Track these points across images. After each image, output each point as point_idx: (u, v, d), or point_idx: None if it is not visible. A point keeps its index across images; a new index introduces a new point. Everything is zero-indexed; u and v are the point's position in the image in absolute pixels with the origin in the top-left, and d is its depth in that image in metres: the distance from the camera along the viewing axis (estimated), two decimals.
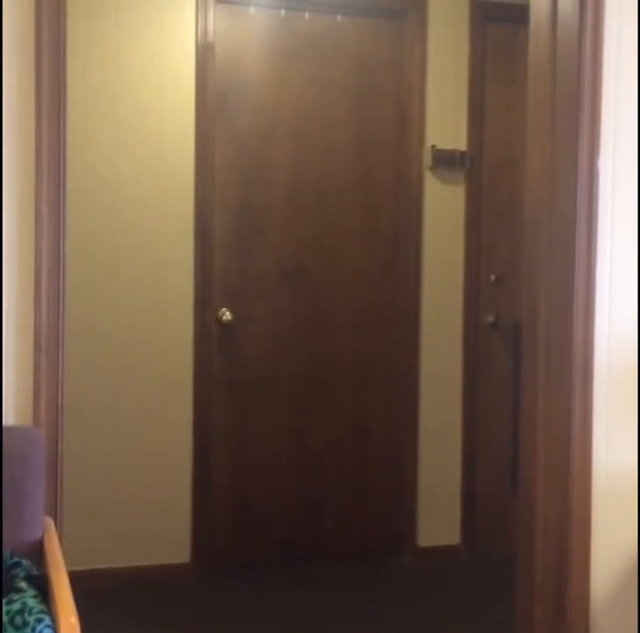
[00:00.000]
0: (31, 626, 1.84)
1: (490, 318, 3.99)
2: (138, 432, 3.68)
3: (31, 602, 1.91)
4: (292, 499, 3.84)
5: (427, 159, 3.93)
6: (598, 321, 2.47)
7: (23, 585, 2.00)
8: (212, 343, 3.73)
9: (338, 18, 3.83)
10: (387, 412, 3.97)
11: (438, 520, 4.02)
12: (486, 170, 3.98)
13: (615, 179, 2.47)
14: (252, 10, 3.73)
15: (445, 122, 3.96)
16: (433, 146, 3.92)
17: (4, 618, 1.88)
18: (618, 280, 2.49)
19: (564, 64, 2.49)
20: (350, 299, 3.92)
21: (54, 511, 2.33)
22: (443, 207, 3.98)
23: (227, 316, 3.73)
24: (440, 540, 4.02)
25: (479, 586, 3.65)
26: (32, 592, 1.98)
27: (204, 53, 3.67)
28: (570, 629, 2.49)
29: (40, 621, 1.85)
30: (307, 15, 3.80)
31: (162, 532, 3.71)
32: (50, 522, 2.27)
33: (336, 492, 3.90)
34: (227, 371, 3.77)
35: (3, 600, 1.93)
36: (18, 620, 1.87)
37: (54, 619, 1.87)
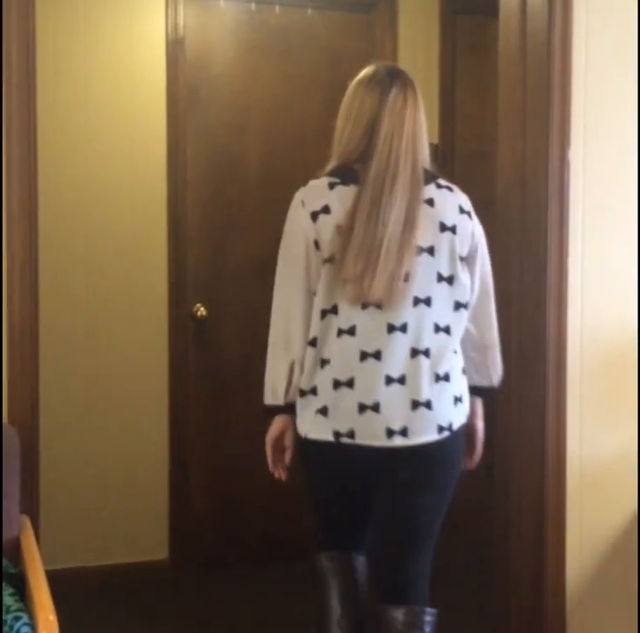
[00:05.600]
0: (8, 624, 1.83)
1: None
2: (114, 429, 3.66)
3: (8, 601, 1.91)
4: (271, 494, 3.83)
5: None
6: (570, 312, 2.49)
7: None
8: (187, 339, 3.72)
9: (309, 11, 3.83)
10: None
11: None
12: (458, 163, 3.99)
13: (586, 171, 2.49)
14: (222, 3, 3.72)
15: None
16: None
17: None
18: (590, 270, 2.52)
19: (534, 56, 2.51)
20: None
21: (30, 509, 2.33)
22: None
23: (201, 311, 3.72)
24: None
25: (456, 575, 3.67)
26: (9, 590, 1.97)
27: (174, 47, 3.65)
28: (547, 619, 2.51)
29: (17, 619, 1.85)
30: (277, 8, 3.79)
31: (140, 529, 3.70)
32: (27, 521, 2.26)
33: None
34: (203, 366, 3.76)
35: None
36: None
37: (31, 617, 1.87)
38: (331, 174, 2.21)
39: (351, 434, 2.12)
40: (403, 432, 2.11)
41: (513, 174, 2.59)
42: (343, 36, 3.89)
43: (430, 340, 2.14)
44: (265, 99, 3.80)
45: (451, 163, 3.99)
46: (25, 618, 1.86)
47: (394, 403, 2.11)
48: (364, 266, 2.08)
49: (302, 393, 2.18)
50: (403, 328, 2.12)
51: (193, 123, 3.71)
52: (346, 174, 2.18)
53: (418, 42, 3.94)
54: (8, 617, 1.85)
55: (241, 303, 3.80)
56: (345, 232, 2.11)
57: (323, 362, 2.15)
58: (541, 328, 2.49)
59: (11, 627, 1.83)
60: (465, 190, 4.09)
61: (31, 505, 2.34)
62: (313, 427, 2.16)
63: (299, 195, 2.24)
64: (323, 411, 2.14)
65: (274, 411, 2.24)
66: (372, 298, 2.09)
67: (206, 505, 3.78)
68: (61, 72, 3.52)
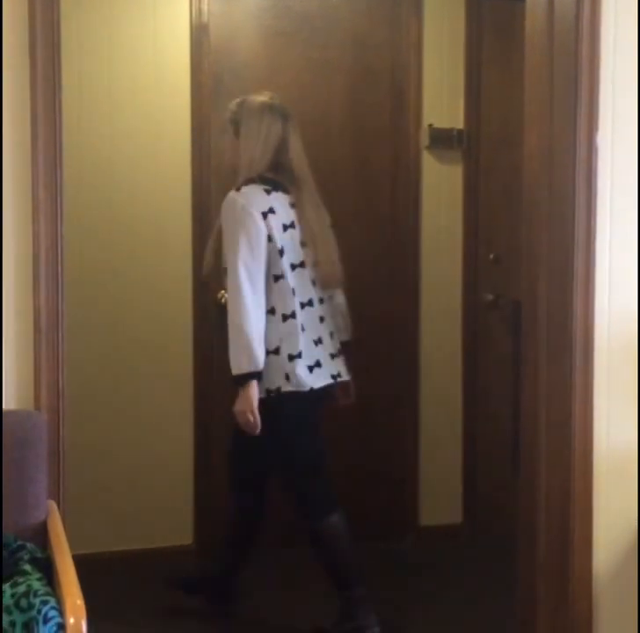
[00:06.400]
0: (36, 608, 1.85)
1: (490, 297, 3.98)
2: (139, 414, 3.68)
3: (36, 585, 1.92)
4: None
5: (424, 138, 3.91)
6: (598, 298, 2.47)
7: (28, 567, 2.01)
8: (211, 325, 3.73)
9: None
10: (387, 393, 3.97)
11: (439, 499, 4.03)
12: (484, 148, 3.96)
13: (614, 155, 2.46)
14: None
15: (442, 101, 3.95)
16: (430, 125, 3.90)
17: (10, 600, 1.89)
18: (617, 257, 2.49)
19: (562, 40, 2.47)
20: (348, 280, 3.89)
21: (56, 494, 2.34)
22: (441, 185, 3.97)
23: (226, 297, 3.72)
24: (441, 519, 4.04)
25: (481, 565, 3.67)
26: (36, 574, 1.98)
27: (199, 33, 3.65)
28: (573, 608, 2.50)
29: (45, 603, 1.86)
30: None
31: (164, 514, 3.72)
32: (53, 505, 2.28)
33: (337, 473, 3.90)
34: (226, 352, 3.76)
35: (9, 583, 1.94)
36: (24, 602, 1.88)
37: (59, 601, 1.88)
38: (259, 182, 2.81)
39: (337, 375, 2.96)
40: (340, 374, 2.99)
41: (540, 159, 2.56)
42: (368, 21, 3.87)
43: (324, 310, 2.97)
44: (290, 85, 3.79)
45: (477, 148, 3.96)
46: (52, 602, 1.87)
47: (335, 352, 2.96)
48: (328, 255, 2.90)
49: (291, 357, 2.79)
50: (321, 300, 2.95)
51: (218, 110, 3.69)
52: (271, 183, 2.82)
53: (443, 26, 3.91)
54: (36, 601, 1.87)
55: None
56: (302, 230, 2.84)
57: (303, 329, 2.82)
58: (568, 314, 2.46)
59: (39, 611, 1.84)
60: (490, 175, 4.08)
61: (57, 490, 2.35)
62: (314, 379, 2.83)
63: (240, 200, 2.77)
64: (318, 364, 2.86)
65: (253, 376, 2.74)
66: (334, 279, 2.97)
67: None
68: (85, 58, 3.53)
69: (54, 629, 1.82)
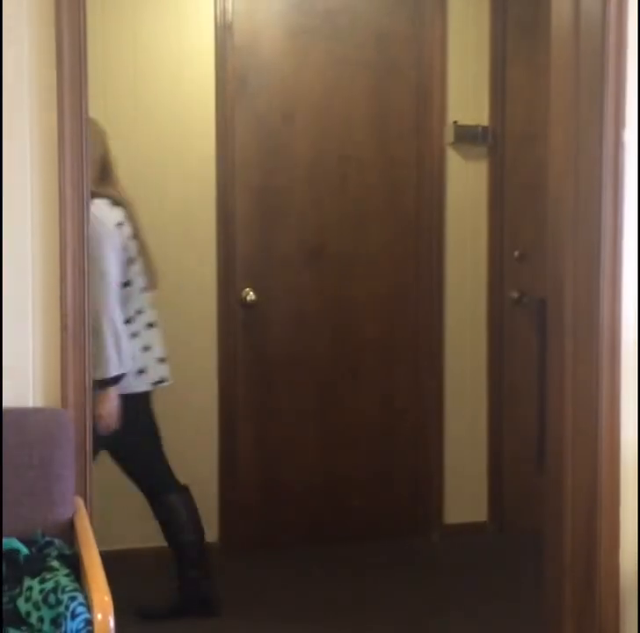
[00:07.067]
0: (64, 604, 1.86)
1: (515, 295, 3.96)
2: (164, 412, 3.68)
3: (64, 581, 1.94)
4: (319, 478, 3.85)
5: (449, 135, 3.90)
6: (625, 295, 2.45)
7: (55, 563, 2.02)
8: (236, 323, 3.74)
9: None
10: (412, 389, 3.96)
11: (465, 496, 4.02)
12: (509, 144, 3.94)
13: None
14: None
15: (466, 97, 3.93)
16: (455, 122, 3.89)
17: (38, 596, 1.91)
18: None
19: (588, 35, 2.46)
20: (373, 277, 3.91)
21: (83, 491, 2.35)
22: (466, 182, 3.95)
23: (250, 296, 3.74)
24: (467, 517, 4.02)
25: (507, 563, 3.66)
26: (64, 570, 2.00)
27: (223, 32, 3.65)
28: (600, 606, 2.49)
29: (73, 599, 1.87)
30: None
31: None
32: (80, 502, 2.29)
33: (363, 470, 3.91)
34: (251, 351, 3.78)
35: (37, 579, 1.96)
36: (52, 598, 1.89)
37: (86, 597, 1.89)
38: (100, 197, 2.91)
39: (160, 381, 3.14)
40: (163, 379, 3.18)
41: (566, 156, 2.55)
42: (392, 18, 3.86)
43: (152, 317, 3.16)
44: (313, 84, 3.79)
45: (502, 144, 3.94)
46: (80, 598, 1.88)
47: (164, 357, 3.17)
48: (148, 265, 3.11)
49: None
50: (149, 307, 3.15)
51: (242, 109, 3.71)
52: (109, 198, 2.98)
53: (468, 23, 3.90)
54: (64, 597, 1.88)
55: (290, 288, 3.81)
56: (138, 240, 3.05)
57: (134, 335, 3.03)
58: (594, 312, 2.45)
59: (67, 606, 1.85)
60: (515, 172, 4.05)
61: (84, 487, 2.37)
62: (139, 384, 3.06)
63: (96, 212, 2.80)
64: (143, 370, 3.07)
65: (120, 379, 2.94)
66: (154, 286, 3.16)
67: (255, 488, 3.81)
68: (110, 58, 3.54)
69: (82, 624, 1.83)
